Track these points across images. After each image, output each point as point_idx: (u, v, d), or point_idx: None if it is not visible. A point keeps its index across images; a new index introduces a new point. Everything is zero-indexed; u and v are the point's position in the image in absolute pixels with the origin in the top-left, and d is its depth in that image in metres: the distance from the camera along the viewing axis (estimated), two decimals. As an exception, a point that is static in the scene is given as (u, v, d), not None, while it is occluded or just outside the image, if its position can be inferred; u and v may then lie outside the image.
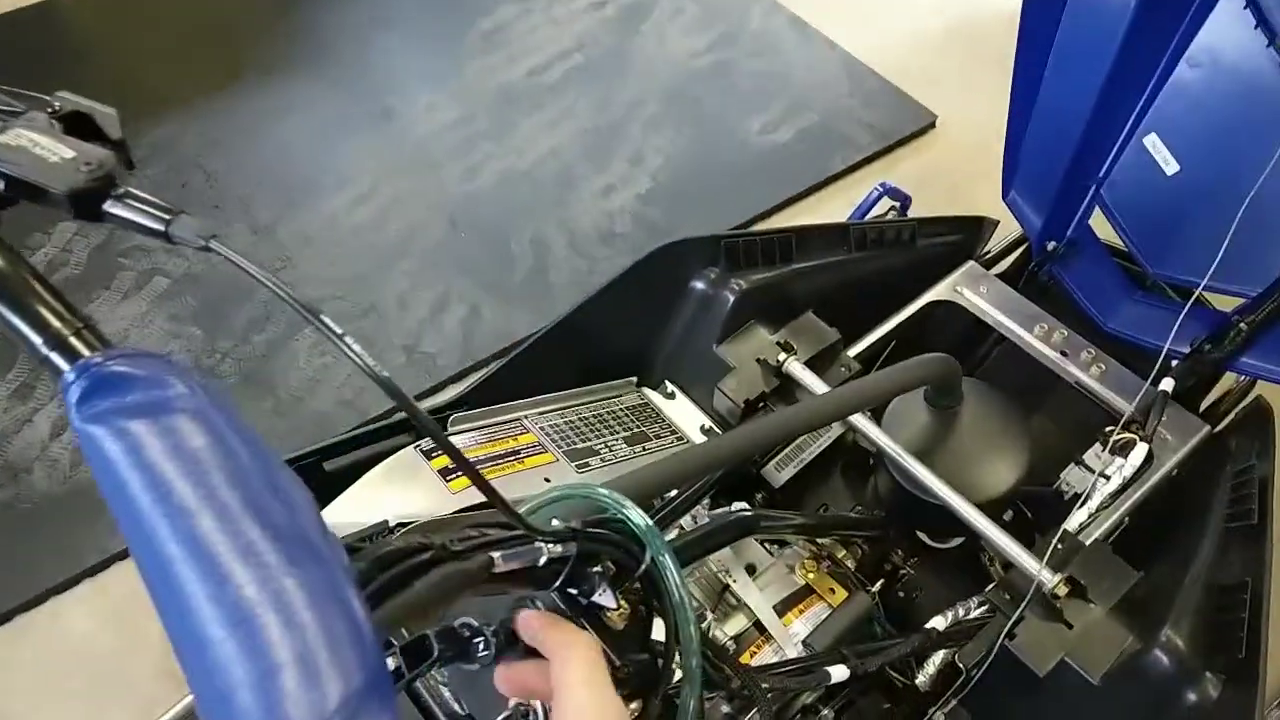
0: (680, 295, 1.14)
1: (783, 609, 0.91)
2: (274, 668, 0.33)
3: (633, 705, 0.56)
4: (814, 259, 1.18)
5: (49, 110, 0.45)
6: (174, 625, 0.36)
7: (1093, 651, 0.89)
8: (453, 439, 0.93)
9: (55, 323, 0.42)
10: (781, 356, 1.07)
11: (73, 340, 0.42)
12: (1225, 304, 1.15)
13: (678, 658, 0.58)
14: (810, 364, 1.09)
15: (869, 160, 2.11)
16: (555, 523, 0.53)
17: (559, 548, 0.51)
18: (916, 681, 0.95)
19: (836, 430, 1.19)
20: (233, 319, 1.78)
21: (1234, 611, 0.87)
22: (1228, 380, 1.21)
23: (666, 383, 1.15)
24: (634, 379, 1.15)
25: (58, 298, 0.43)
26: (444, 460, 0.87)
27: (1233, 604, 0.87)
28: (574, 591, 0.57)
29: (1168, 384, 1.10)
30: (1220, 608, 0.88)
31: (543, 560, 0.50)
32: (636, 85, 2.25)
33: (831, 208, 2.03)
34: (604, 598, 0.57)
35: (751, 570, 0.95)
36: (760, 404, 1.08)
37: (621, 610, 0.58)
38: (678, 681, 0.59)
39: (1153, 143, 1.18)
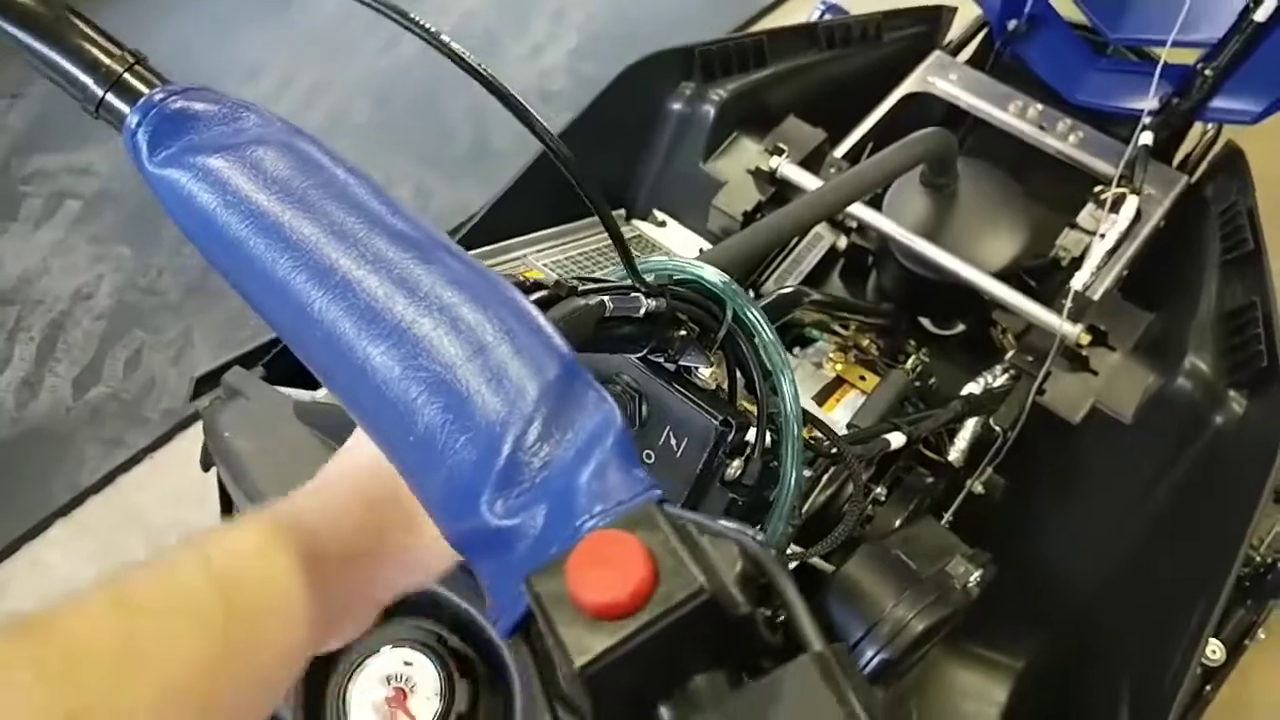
0: (657, 117, 1.10)
1: (820, 400, 0.91)
2: (444, 374, 0.29)
3: (734, 463, 0.55)
4: (786, 62, 1.14)
5: None
6: (321, 361, 0.32)
7: (1120, 392, 0.92)
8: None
9: (106, 60, 0.37)
10: (773, 161, 1.04)
11: (129, 78, 0.37)
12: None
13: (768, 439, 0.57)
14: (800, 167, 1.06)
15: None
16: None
17: (653, 302, 0.48)
18: (950, 457, 0.96)
19: (829, 239, 1.18)
20: (160, 232, 1.66)
21: (1247, 330, 0.89)
22: (1192, 138, 1.23)
23: (655, 211, 1.12)
24: (622, 211, 1.11)
25: (102, 33, 0.37)
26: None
27: (1244, 324, 0.90)
28: (659, 360, 0.55)
29: (1147, 138, 1.10)
30: (1233, 331, 0.91)
31: (642, 311, 0.47)
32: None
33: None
34: (692, 358, 0.54)
35: (779, 373, 0.94)
36: (758, 214, 1.05)
37: (714, 371, 0.56)
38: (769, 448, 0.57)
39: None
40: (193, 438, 1.53)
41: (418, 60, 1.89)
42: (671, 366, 0.55)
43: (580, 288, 0.42)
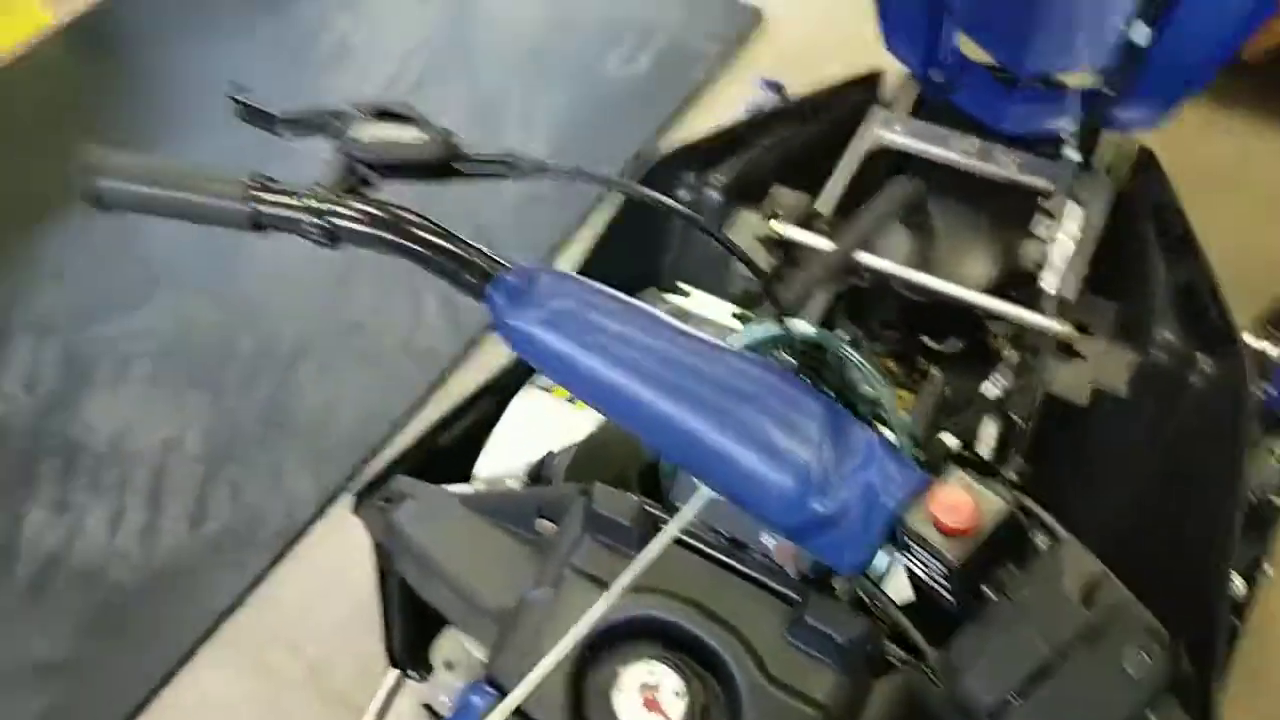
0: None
1: (868, 422, 1.06)
2: (747, 428, 0.44)
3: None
4: (763, 141, 1.32)
5: (359, 113, 0.54)
6: (660, 440, 0.47)
7: (1111, 372, 1.09)
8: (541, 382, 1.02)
9: (475, 258, 0.55)
10: (774, 225, 1.21)
11: (485, 267, 0.54)
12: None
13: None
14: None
15: (726, 67, 2.27)
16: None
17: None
18: (981, 452, 1.12)
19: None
20: (225, 376, 1.81)
21: (1199, 299, 1.08)
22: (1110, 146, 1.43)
23: (679, 284, 1.27)
24: (653, 288, 1.27)
25: (460, 240, 0.55)
26: (566, 392, 0.96)
27: (1194, 293, 1.09)
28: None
29: (1072, 153, 1.30)
30: (1186, 303, 1.10)
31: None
32: (495, 62, 2.32)
33: (714, 115, 2.18)
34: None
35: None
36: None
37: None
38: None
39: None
40: (301, 554, 1.67)
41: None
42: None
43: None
